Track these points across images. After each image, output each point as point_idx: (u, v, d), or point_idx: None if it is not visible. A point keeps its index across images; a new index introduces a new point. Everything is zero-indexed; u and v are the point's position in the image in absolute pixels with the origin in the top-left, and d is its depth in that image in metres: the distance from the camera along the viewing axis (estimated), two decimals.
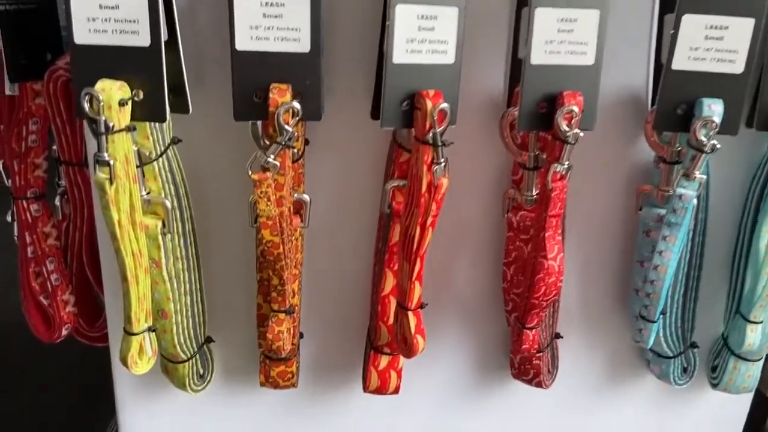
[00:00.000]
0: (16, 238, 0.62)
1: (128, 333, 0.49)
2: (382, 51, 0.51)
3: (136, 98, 0.44)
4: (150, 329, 0.50)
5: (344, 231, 0.60)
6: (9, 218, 0.61)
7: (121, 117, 0.43)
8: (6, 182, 0.61)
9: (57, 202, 0.61)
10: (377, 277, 0.58)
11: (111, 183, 0.43)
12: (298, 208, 0.54)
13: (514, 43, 0.53)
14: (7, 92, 0.56)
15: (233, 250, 0.59)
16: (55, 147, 0.59)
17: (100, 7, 0.42)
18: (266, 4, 0.45)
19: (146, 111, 0.44)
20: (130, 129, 0.44)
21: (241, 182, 0.56)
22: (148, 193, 0.48)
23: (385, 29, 0.48)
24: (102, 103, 0.42)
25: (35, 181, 0.59)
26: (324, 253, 0.59)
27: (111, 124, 0.42)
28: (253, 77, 0.47)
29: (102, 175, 0.44)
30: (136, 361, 0.50)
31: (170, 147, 0.50)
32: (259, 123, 0.50)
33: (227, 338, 0.62)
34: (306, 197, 0.53)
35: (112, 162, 0.43)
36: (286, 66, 0.47)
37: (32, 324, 0.63)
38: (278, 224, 0.49)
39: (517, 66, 0.53)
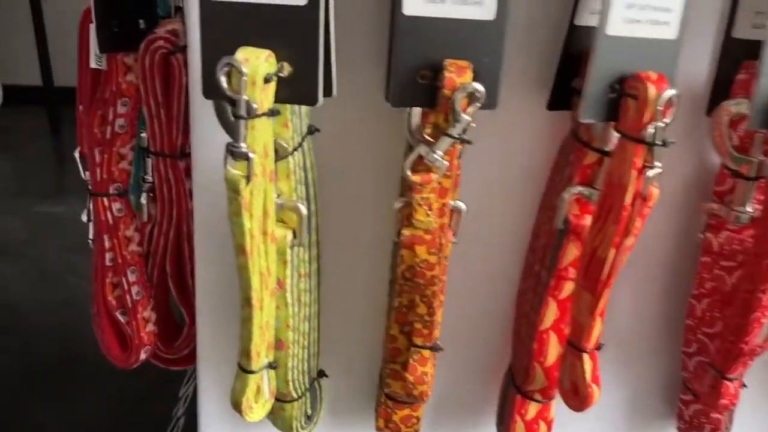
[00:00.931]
0: (90, 241, 0.53)
1: (245, 371, 0.40)
2: (573, 24, 0.42)
3: (280, 74, 0.35)
4: (270, 366, 0.41)
5: (484, 246, 0.51)
6: (84, 217, 0.52)
7: (265, 97, 0.34)
8: (82, 174, 0.52)
9: (143, 200, 0.52)
10: (533, 306, 0.49)
11: (247, 182, 0.34)
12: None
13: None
14: (93, 65, 0.48)
15: (356, 265, 0.50)
16: (143, 134, 0.50)
17: None
18: None
19: (293, 91, 0.35)
20: (273, 113, 0.35)
21: (377, 184, 0.48)
22: (278, 196, 0.39)
23: None
24: (245, 78, 0.33)
25: (119, 175, 0.51)
26: (457, 272, 0.50)
27: (254, 106, 0.33)
28: (420, 51, 0.38)
29: (237, 171, 0.35)
30: (251, 406, 0.41)
31: (305, 138, 0.41)
32: (413, 111, 0.41)
33: (338, 372, 0.53)
34: (462, 205, 0.43)
35: (252, 155, 0.34)
36: (461, 37, 0.38)
37: (105, 344, 0.55)
38: (437, 240, 0.40)
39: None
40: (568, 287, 0.46)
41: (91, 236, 0.53)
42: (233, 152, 0.34)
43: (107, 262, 0.52)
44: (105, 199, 0.51)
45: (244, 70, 0.33)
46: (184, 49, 0.47)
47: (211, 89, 0.35)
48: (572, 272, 0.45)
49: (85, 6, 0.47)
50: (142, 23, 0.48)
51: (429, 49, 0.38)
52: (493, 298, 0.52)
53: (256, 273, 0.38)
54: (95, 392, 1.33)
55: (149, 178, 0.52)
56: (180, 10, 0.58)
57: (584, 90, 0.37)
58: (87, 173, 0.51)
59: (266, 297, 0.39)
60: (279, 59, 0.35)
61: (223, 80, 0.33)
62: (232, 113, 0.34)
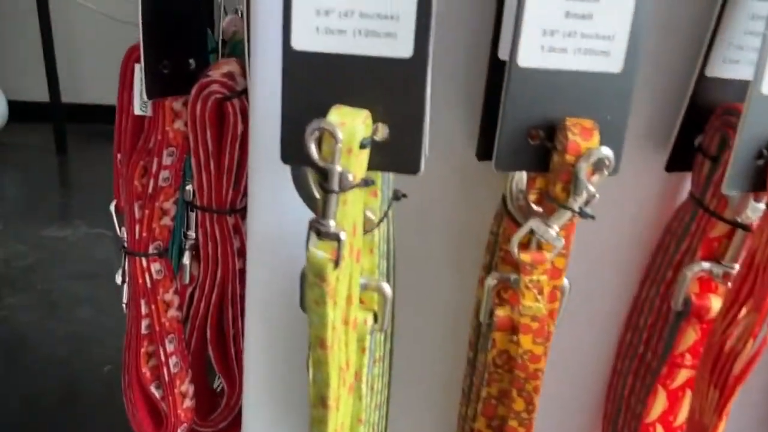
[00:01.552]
0: (124, 305, 0.48)
1: None
2: (702, 74, 0.36)
3: (375, 137, 0.30)
4: None
5: (575, 318, 0.45)
6: (119, 279, 0.47)
7: (358, 165, 0.29)
8: (117, 230, 0.47)
9: (185, 260, 0.47)
10: (633, 390, 0.43)
11: (335, 266, 0.29)
12: None
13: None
14: (138, 111, 0.43)
15: (430, 347, 0.44)
16: (189, 187, 0.45)
17: None
18: None
19: (389, 156, 0.30)
20: (367, 183, 0.29)
21: (458, 250, 0.42)
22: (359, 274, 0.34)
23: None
24: (340, 145, 0.28)
25: (161, 233, 0.46)
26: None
27: (350, 178, 0.28)
28: (533, 107, 0.33)
29: (324, 254, 0.29)
30: None
31: (391, 205, 0.35)
32: (516, 173, 0.36)
33: None
34: (567, 284, 0.38)
35: (343, 235, 0.29)
36: (581, 92, 0.33)
37: (136, 420, 0.49)
38: (546, 328, 0.35)
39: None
40: (683, 375, 0.41)
41: (125, 300, 0.47)
42: (319, 231, 0.29)
43: (143, 330, 0.47)
44: (143, 260, 0.45)
45: (340, 135, 0.27)
46: (240, 95, 0.42)
47: (293, 153, 0.30)
48: (689, 359, 0.40)
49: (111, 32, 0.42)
50: (192, 63, 0.43)
51: (543, 105, 0.32)
52: (582, 378, 0.47)
53: (335, 368, 0.32)
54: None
55: (192, 234, 0.47)
56: (225, 44, 0.54)
57: (732, 157, 0.32)
58: (122, 229, 0.46)
59: (344, 394, 0.33)
60: (374, 119, 0.30)
61: (313, 147, 0.28)
62: (319, 184, 0.28)
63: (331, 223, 0.29)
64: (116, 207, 0.47)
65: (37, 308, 1.67)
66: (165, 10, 0.40)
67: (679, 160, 0.38)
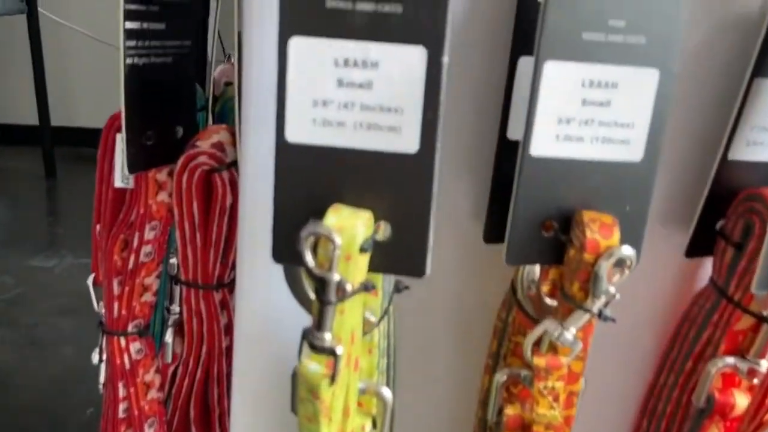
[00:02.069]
0: (101, 386, 0.45)
1: None
2: (726, 158, 0.34)
3: (377, 237, 0.27)
4: None
5: (588, 408, 0.42)
6: (95, 359, 0.44)
7: (358, 271, 0.26)
8: (95, 306, 0.44)
9: (168, 337, 0.44)
10: None
11: (331, 382, 0.26)
12: None
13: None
14: (118, 185, 0.40)
15: None
16: (172, 260, 0.42)
17: (339, 84, 0.26)
18: (589, 83, 0.29)
19: (392, 258, 0.27)
20: (367, 288, 0.27)
21: (461, 342, 0.40)
22: None
23: None
24: (338, 252, 0.25)
25: (141, 310, 0.43)
26: None
27: (348, 288, 0.26)
28: (547, 198, 0.30)
29: (320, 369, 0.26)
30: None
31: (392, 300, 0.33)
32: (530, 270, 0.33)
33: None
34: (583, 383, 0.35)
35: (340, 350, 0.26)
36: (599, 183, 0.30)
37: None
38: None
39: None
40: None
41: (101, 380, 0.44)
42: (314, 345, 0.26)
43: (120, 414, 0.43)
44: (122, 339, 0.42)
45: (338, 241, 0.25)
46: (230, 166, 0.39)
47: (285, 253, 0.28)
48: None
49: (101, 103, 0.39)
50: (179, 131, 0.41)
51: (558, 196, 0.30)
52: None
53: None
54: None
55: (176, 308, 0.44)
56: (217, 100, 0.51)
57: (764, 255, 0.30)
58: (101, 304, 0.43)
59: None
60: (375, 218, 0.27)
61: (308, 253, 0.25)
62: (316, 295, 0.26)
63: (327, 335, 0.26)
64: (94, 281, 0.44)
65: (20, 345, 1.63)
66: (151, 78, 0.37)
67: (700, 245, 0.36)
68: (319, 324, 0.26)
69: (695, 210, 0.35)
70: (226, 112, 0.50)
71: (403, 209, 0.27)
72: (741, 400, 0.35)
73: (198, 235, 0.41)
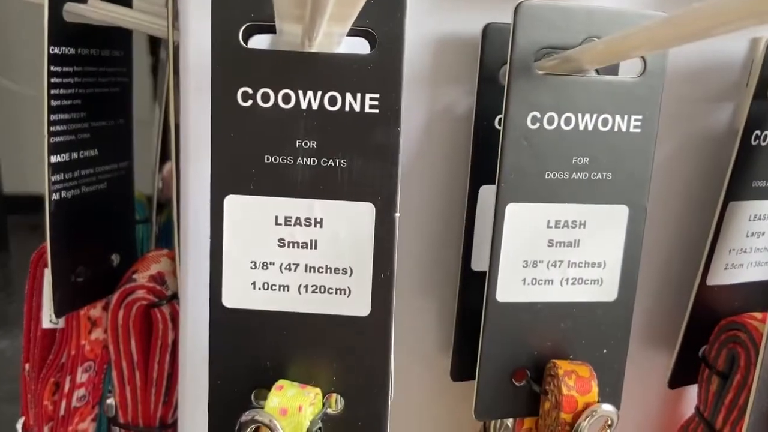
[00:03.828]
0: None
1: None
2: (704, 284, 0.33)
3: (328, 410, 0.25)
4: None
5: None
6: None
7: None
8: None
9: None
10: None
11: None
12: None
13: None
14: (46, 325, 0.37)
15: None
16: (110, 401, 0.39)
17: (281, 244, 0.24)
18: (554, 224, 0.27)
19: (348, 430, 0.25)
20: None
21: None
22: None
23: None
24: None
25: None
26: None
27: None
28: (517, 346, 0.28)
29: None
30: None
31: None
32: (502, 421, 0.31)
33: None
34: None
35: None
36: (572, 327, 0.28)
37: None
38: None
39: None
40: None
41: None
42: None
43: None
44: None
45: (281, 431, 0.22)
46: (171, 299, 0.36)
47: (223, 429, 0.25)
48: None
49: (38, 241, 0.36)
50: (115, 259, 0.38)
51: (528, 342, 0.28)
52: None
53: None
54: None
55: None
56: (162, 209, 0.49)
57: (751, 409, 0.28)
58: None
59: None
60: (325, 389, 0.25)
61: None
62: None
63: None
64: (24, 426, 0.40)
65: None
66: (82, 209, 0.35)
67: (683, 374, 0.34)
68: None
69: (676, 336, 0.34)
70: (172, 224, 0.48)
71: (357, 378, 0.25)
72: None
73: (137, 375, 0.38)
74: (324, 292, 0.24)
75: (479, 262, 0.32)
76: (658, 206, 0.32)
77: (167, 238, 0.48)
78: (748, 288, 0.34)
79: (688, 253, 0.33)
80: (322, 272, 0.24)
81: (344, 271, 0.24)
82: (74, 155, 0.34)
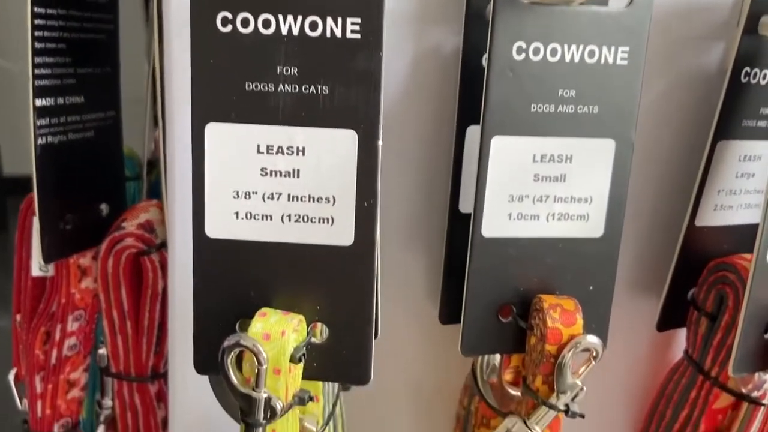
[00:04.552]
0: None
1: None
2: (693, 224, 0.33)
3: (312, 339, 0.25)
4: None
5: None
6: None
7: (291, 382, 0.24)
8: (18, 404, 0.41)
9: None
10: None
11: None
12: None
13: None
14: (36, 273, 0.37)
15: None
16: (101, 351, 0.39)
17: (263, 173, 0.24)
18: (540, 158, 0.27)
19: (330, 363, 0.25)
20: (303, 401, 0.24)
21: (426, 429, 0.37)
22: None
23: None
24: (264, 367, 0.23)
25: (68, 408, 0.39)
26: None
27: (279, 406, 0.23)
28: (502, 282, 0.28)
29: None
30: None
31: (338, 400, 0.30)
32: (489, 356, 0.31)
33: None
34: None
35: None
36: (558, 263, 0.28)
37: None
38: None
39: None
40: None
41: None
42: None
43: None
44: None
45: (264, 354, 0.22)
46: (161, 247, 0.37)
47: (207, 363, 0.25)
48: None
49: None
50: (104, 208, 0.38)
51: (514, 278, 0.28)
52: None
53: None
54: None
55: (108, 402, 0.41)
56: (152, 168, 0.49)
57: (738, 336, 0.28)
58: (23, 403, 0.40)
59: None
60: (309, 319, 0.25)
61: (230, 369, 0.23)
62: (241, 415, 0.23)
63: None
64: (16, 376, 0.40)
65: None
66: (69, 156, 0.35)
67: (671, 317, 0.34)
68: None
69: (664, 279, 0.34)
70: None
71: (341, 308, 0.25)
72: None
73: (128, 324, 0.38)
74: (307, 221, 0.24)
75: (467, 204, 0.32)
76: (646, 146, 0.32)
77: (157, 195, 0.48)
78: (737, 231, 0.34)
79: (677, 195, 0.33)
80: (304, 201, 0.24)
81: (327, 200, 0.24)
82: (60, 100, 0.33)
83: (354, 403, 0.34)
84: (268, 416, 0.23)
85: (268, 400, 0.22)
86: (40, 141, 0.33)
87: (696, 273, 0.33)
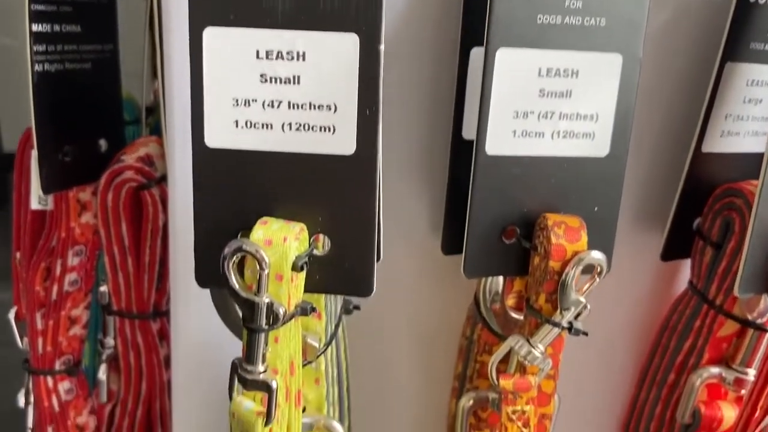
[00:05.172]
0: (29, 431, 0.41)
1: None
2: (699, 150, 0.32)
3: (314, 251, 0.25)
4: None
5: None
6: (21, 401, 0.40)
7: (294, 291, 0.24)
8: (19, 343, 0.41)
9: (102, 374, 0.40)
10: None
11: (269, 422, 0.24)
12: None
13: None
14: (35, 206, 0.37)
15: None
16: (102, 288, 0.39)
17: (263, 80, 0.23)
18: (546, 72, 0.27)
19: (333, 275, 0.25)
20: (305, 312, 0.24)
21: (424, 364, 0.37)
22: (303, 409, 0.28)
23: None
24: (267, 272, 0.22)
25: (69, 345, 0.39)
26: None
27: (281, 311, 0.23)
28: (507, 202, 0.28)
29: (252, 406, 0.24)
30: None
31: (341, 321, 0.30)
32: (493, 282, 0.31)
33: None
34: (556, 400, 0.32)
35: (275, 384, 0.23)
36: (563, 182, 0.28)
37: None
38: None
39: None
40: None
41: (29, 425, 0.41)
42: (245, 380, 0.23)
43: None
44: (49, 379, 0.39)
45: (266, 259, 0.22)
46: (160, 181, 0.36)
47: (211, 275, 0.25)
48: None
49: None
50: (103, 144, 0.38)
51: (518, 198, 0.28)
52: None
53: None
54: None
55: (110, 341, 0.41)
56: (151, 113, 0.48)
57: (745, 256, 0.28)
58: (25, 340, 0.40)
59: None
60: (311, 231, 0.24)
61: (232, 274, 0.22)
62: (243, 322, 0.23)
63: (260, 368, 0.23)
64: (17, 315, 0.40)
65: None
66: (66, 86, 0.34)
67: (676, 247, 0.34)
68: (249, 355, 0.23)
69: (669, 209, 0.34)
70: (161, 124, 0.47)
71: (343, 219, 0.24)
72: (728, 413, 0.33)
73: (129, 260, 0.38)
74: (308, 130, 0.24)
75: (471, 131, 0.32)
76: (654, 68, 0.32)
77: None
78: (744, 159, 0.33)
79: (684, 121, 0.32)
80: (305, 109, 0.24)
81: (328, 107, 0.23)
82: (56, 27, 0.33)
83: (356, 335, 0.34)
84: (271, 322, 0.22)
85: (270, 306, 0.22)
86: (37, 68, 0.32)
87: (701, 201, 0.33)
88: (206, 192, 0.24)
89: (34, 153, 0.35)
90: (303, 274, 0.24)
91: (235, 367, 0.24)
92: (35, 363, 0.39)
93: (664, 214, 0.34)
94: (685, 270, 0.35)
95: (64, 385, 0.39)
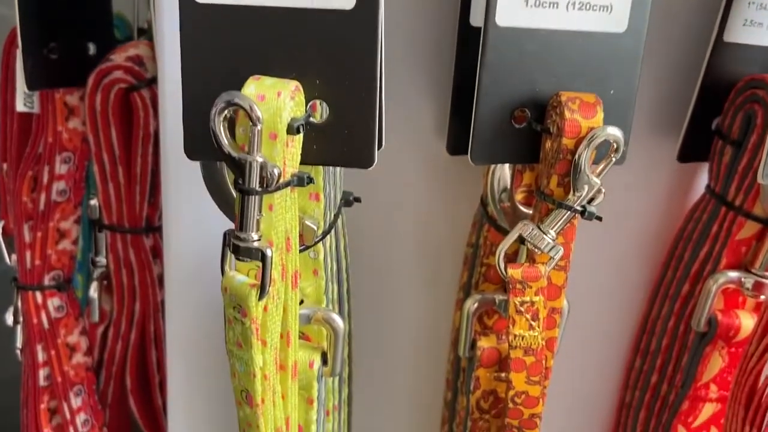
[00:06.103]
0: (19, 351, 0.40)
1: None
2: (720, 39, 0.31)
3: (311, 119, 0.23)
4: None
5: (574, 339, 0.39)
6: (10, 319, 0.39)
7: (289, 157, 0.22)
8: (6, 259, 0.39)
9: (93, 292, 0.39)
10: (646, 429, 0.37)
11: (261, 295, 0.22)
12: None
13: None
14: (21, 108, 0.35)
15: (398, 388, 0.38)
16: (93, 202, 0.38)
17: None
18: None
19: (332, 145, 0.23)
20: (301, 182, 0.23)
21: (429, 266, 0.36)
22: (301, 302, 0.27)
23: None
24: (260, 127, 0.21)
25: (59, 260, 0.38)
26: None
27: (276, 173, 0.21)
28: (517, 80, 0.26)
29: (243, 278, 0.22)
30: None
31: (340, 212, 0.28)
32: (497, 167, 0.29)
33: None
34: (566, 304, 0.31)
35: (269, 252, 0.22)
36: (577, 59, 0.26)
37: None
38: (542, 363, 0.28)
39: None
40: (707, 411, 0.34)
41: (18, 344, 0.39)
42: (238, 248, 0.22)
43: (42, 382, 0.39)
44: (38, 294, 0.37)
45: (259, 113, 0.20)
46: (151, 83, 0.35)
47: (198, 145, 0.23)
48: (714, 391, 0.34)
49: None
50: (92, 48, 0.36)
51: (530, 76, 0.26)
52: (584, 413, 0.40)
53: (270, 431, 0.25)
54: None
55: (102, 260, 0.39)
56: (145, 33, 0.47)
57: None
58: (13, 257, 0.38)
59: None
60: (309, 96, 0.23)
61: (222, 131, 0.21)
62: (234, 184, 0.21)
63: (254, 236, 0.22)
64: (4, 229, 0.39)
65: None
66: None
67: (693, 148, 0.32)
68: (241, 221, 0.22)
69: (687, 108, 0.32)
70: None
71: (342, 83, 0.23)
72: (746, 321, 0.32)
73: (120, 169, 0.36)
74: None
75: (479, 17, 0.30)
76: None
77: None
78: (767, 53, 0.31)
79: (705, 8, 0.31)
80: None
81: None
82: None
83: (358, 240, 0.33)
84: (265, 185, 0.21)
85: (263, 165, 0.21)
86: None
87: (721, 98, 0.31)
88: (195, 52, 0.22)
89: (19, 52, 0.33)
90: (299, 139, 0.22)
91: (227, 238, 0.22)
92: (23, 278, 0.38)
93: (682, 116, 0.32)
94: (700, 182, 0.34)
95: (53, 302, 0.38)
